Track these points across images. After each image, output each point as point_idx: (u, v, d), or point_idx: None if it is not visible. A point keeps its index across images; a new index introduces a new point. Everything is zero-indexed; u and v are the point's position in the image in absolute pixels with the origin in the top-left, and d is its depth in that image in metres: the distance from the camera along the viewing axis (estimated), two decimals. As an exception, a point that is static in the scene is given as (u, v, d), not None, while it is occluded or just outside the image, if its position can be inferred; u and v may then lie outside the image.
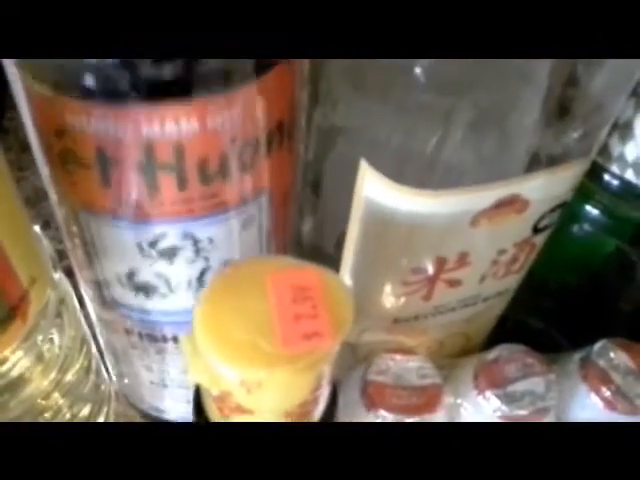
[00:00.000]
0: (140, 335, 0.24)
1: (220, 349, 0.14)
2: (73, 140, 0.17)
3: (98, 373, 0.26)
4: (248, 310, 0.15)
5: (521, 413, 0.22)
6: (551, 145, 0.19)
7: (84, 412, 0.25)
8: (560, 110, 0.18)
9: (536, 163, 0.19)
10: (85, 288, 0.24)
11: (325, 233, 0.25)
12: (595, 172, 0.23)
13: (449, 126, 0.18)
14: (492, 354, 0.23)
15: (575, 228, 0.26)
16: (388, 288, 0.23)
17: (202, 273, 0.21)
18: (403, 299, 0.23)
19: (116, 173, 0.17)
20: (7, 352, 0.19)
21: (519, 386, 0.22)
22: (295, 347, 0.14)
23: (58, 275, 0.22)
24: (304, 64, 0.20)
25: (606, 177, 0.24)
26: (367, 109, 0.19)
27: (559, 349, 0.26)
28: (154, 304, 0.22)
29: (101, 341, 0.27)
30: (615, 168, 0.23)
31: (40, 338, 0.21)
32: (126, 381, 0.28)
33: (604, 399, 0.23)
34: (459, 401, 0.23)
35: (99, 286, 0.22)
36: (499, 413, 0.22)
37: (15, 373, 0.20)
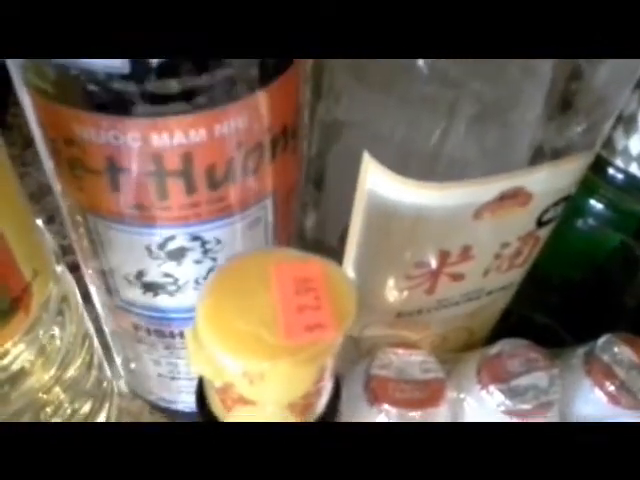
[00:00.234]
0: (148, 331, 0.24)
1: (223, 340, 0.14)
2: (82, 150, 0.17)
3: (100, 369, 0.26)
4: (251, 302, 0.15)
5: (524, 407, 0.22)
6: (555, 138, 0.19)
7: (85, 408, 0.25)
8: (563, 103, 0.18)
9: (540, 156, 0.19)
10: (91, 281, 0.24)
11: (328, 227, 0.25)
12: (599, 166, 0.23)
13: (452, 119, 0.18)
14: (495, 348, 0.23)
15: (579, 222, 0.26)
16: (391, 282, 0.23)
17: (209, 272, 0.21)
18: (406, 293, 0.23)
19: (125, 180, 0.18)
20: (9, 345, 0.19)
21: (522, 381, 0.22)
22: (298, 339, 0.14)
23: (61, 269, 0.22)
24: (307, 61, 0.20)
25: (610, 171, 0.24)
26: (370, 102, 0.19)
27: (563, 343, 0.26)
28: (162, 301, 0.22)
29: (108, 335, 0.27)
30: (619, 162, 0.23)
31: (42, 332, 0.21)
32: (134, 374, 0.28)
33: (608, 394, 0.23)
34: (462, 395, 0.23)
35: (106, 281, 0.22)
36: (502, 407, 0.22)
37: (16, 366, 0.20)
